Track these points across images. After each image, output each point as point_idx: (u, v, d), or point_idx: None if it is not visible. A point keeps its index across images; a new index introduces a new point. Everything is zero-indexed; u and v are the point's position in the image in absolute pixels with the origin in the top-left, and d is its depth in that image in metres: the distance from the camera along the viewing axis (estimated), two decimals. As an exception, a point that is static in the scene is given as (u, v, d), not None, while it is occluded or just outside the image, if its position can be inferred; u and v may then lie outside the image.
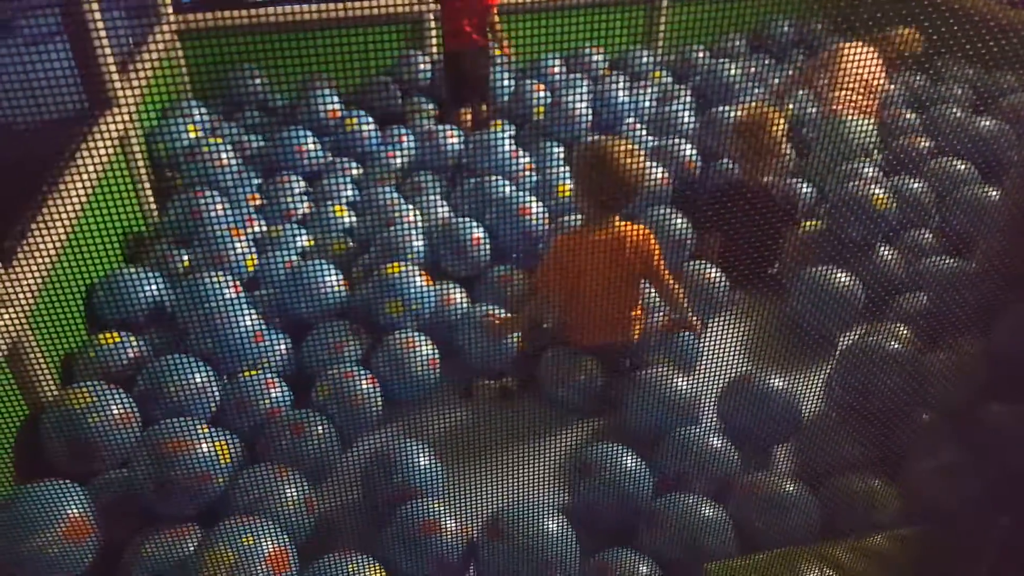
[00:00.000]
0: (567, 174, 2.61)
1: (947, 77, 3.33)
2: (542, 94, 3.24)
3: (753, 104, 2.53)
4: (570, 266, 1.93)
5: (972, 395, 1.74)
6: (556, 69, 3.49)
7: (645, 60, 3.61)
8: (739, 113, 2.44)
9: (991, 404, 1.68)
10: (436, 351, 2.04)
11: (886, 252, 2.31)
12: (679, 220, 2.35)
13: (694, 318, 2.08)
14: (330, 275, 2.15)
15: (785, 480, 1.66)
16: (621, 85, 3.23)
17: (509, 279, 2.28)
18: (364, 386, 1.92)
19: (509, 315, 2.11)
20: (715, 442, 1.73)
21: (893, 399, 1.77)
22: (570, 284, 1.97)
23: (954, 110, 2.98)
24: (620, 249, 1.93)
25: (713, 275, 2.20)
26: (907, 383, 1.78)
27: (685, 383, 1.88)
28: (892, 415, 1.75)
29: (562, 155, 2.87)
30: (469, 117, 3.18)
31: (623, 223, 1.96)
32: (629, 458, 1.70)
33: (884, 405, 1.76)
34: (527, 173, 2.71)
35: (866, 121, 2.69)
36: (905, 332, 1.98)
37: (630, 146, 1.91)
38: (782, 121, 2.36)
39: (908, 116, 2.98)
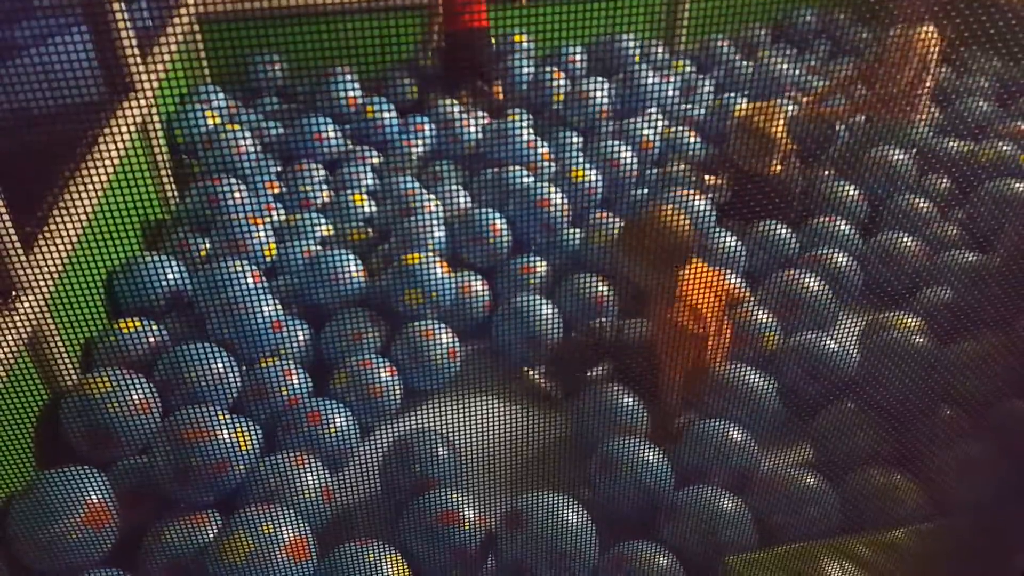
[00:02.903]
0: (583, 161, 2.60)
1: (974, 69, 3.27)
2: (561, 81, 3.20)
3: (754, 103, 2.59)
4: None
5: (998, 389, 1.71)
6: (576, 58, 3.45)
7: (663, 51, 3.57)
8: (740, 112, 2.51)
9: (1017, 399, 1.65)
10: (456, 340, 2.03)
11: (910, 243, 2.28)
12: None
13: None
14: (349, 264, 2.14)
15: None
16: (646, 73, 3.19)
17: (531, 269, 2.27)
18: (383, 375, 1.91)
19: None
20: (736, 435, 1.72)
21: (917, 393, 1.74)
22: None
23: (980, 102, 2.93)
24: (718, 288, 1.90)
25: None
26: (932, 377, 1.75)
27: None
28: (916, 410, 1.72)
29: (579, 143, 2.85)
30: (467, 99, 3.17)
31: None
32: (649, 452, 1.68)
33: (907, 400, 1.73)
34: (545, 162, 2.69)
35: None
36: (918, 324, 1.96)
37: (674, 210, 1.85)
38: (782, 118, 2.42)
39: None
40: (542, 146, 2.73)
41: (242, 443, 1.67)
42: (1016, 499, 1.36)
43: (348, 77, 3.20)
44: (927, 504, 1.57)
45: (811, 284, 2.11)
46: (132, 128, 2.35)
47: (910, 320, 1.97)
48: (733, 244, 2.28)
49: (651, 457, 1.68)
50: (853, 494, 1.63)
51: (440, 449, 1.70)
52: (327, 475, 1.68)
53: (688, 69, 3.41)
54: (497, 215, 2.33)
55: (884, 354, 1.86)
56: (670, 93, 3.17)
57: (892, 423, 1.71)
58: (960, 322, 1.89)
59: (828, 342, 1.93)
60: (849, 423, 1.77)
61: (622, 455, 1.67)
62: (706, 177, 2.58)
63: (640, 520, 1.65)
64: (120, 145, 2.19)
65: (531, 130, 2.89)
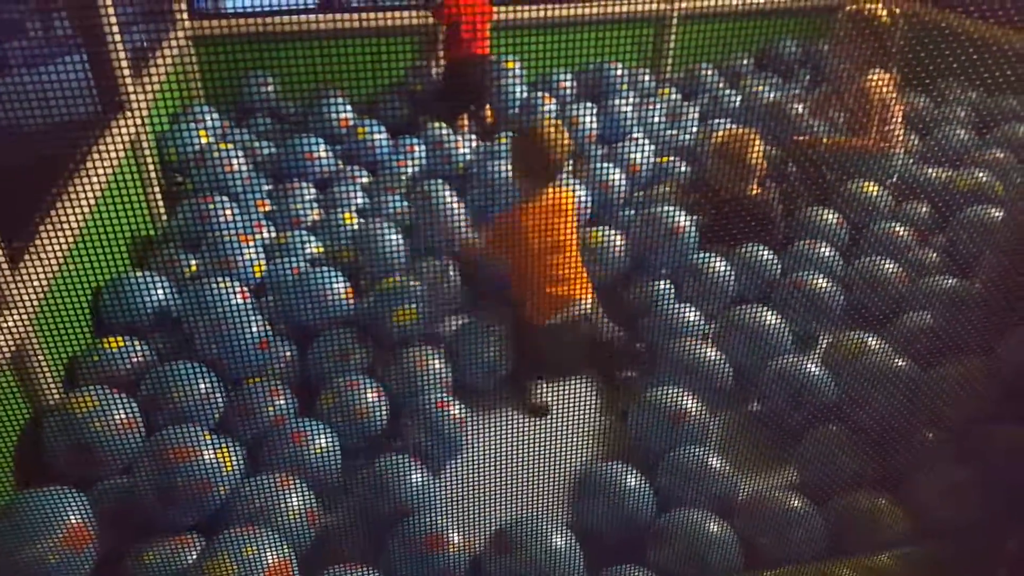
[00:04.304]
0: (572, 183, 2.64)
1: (951, 99, 3.36)
2: (551, 106, 3.26)
3: (732, 128, 2.63)
4: (517, 239, 2.10)
5: (979, 413, 1.74)
6: (566, 84, 3.52)
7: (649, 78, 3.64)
8: (719, 136, 2.56)
9: (999, 422, 1.68)
10: (448, 368, 2.02)
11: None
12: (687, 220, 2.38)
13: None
14: (337, 283, 2.14)
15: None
16: (629, 100, 3.25)
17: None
18: (369, 397, 1.91)
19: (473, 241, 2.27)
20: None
21: (896, 416, 1.77)
22: (520, 257, 2.12)
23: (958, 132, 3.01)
24: (561, 210, 2.11)
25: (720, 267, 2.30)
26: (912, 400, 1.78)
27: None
28: (896, 432, 1.75)
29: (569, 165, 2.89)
30: (466, 123, 3.23)
31: (555, 190, 2.15)
32: (632, 478, 1.68)
33: (887, 422, 1.76)
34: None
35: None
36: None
37: (556, 124, 2.13)
38: (759, 142, 2.49)
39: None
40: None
41: (226, 463, 1.65)
42: (993, 519, 1.38)
43: (340, 99, 3.23)
44: (909, 526, 1.59)
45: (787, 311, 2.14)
46: (123, 145, 2.35)
47: (871, 341, 2.01)
48: (720, 267, 2.31)
49: (633, 482, 1.67)
50: (837, 517, 1.64)
51: (414, 475, 1.68)
52: (311, 497, 1.67)
53: (674, 96, 3.48)
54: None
55: (851, 376, 1.89)
56: (656, 118, 3.24)
57: (868, 445, 1.73)
58: (936, 345, 1.93)
59: (808, 366, 1.96)
60: (825, 445, 1.79)
61: (606, 479, 1.67)
62: (688, 195, 2.63)
63: (626, 544, 1.65)
64: (111, 162, 2.19)
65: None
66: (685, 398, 1.86)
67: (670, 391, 1.88)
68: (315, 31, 3.22)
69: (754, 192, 2.51)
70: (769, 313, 2.12)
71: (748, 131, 2.52)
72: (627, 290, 2.37)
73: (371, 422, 1.89)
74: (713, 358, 2.01)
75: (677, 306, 2.22)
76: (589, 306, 2.16)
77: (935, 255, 2.41)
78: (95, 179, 2.03)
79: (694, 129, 3.16)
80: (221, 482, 1.63)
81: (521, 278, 2.16)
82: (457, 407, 1.86)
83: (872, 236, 2.51)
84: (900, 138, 2.72)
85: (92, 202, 2.00)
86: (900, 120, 2.71)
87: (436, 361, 2.01)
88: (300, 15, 3.27)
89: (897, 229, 2.50)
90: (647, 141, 3.05)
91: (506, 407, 2.11)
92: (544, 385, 2.13)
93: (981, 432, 1.70)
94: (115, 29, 2.22)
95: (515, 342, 2.13)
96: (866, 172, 2.71)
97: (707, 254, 2.34)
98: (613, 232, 2.36)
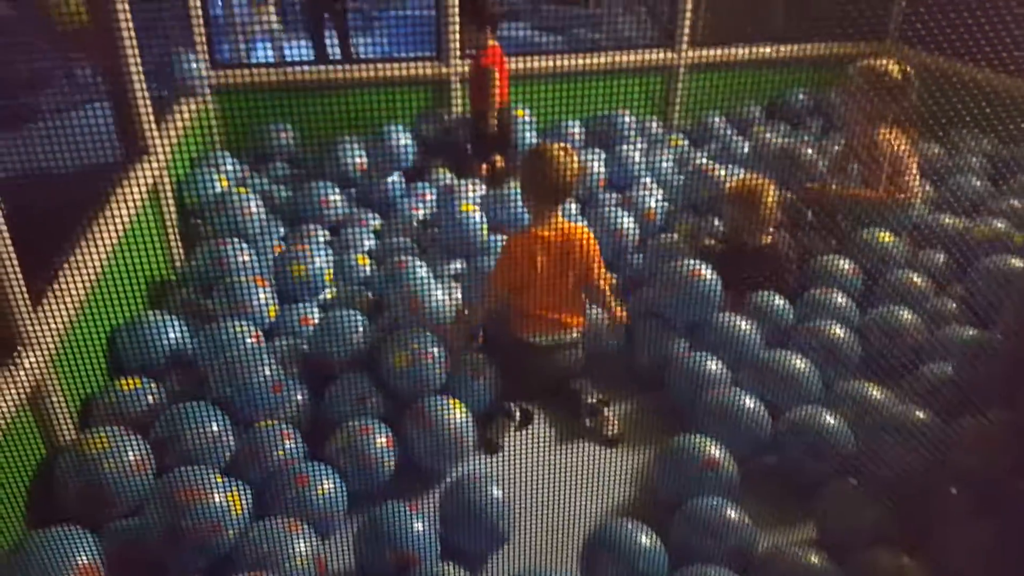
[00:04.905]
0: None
1: (963, 149, 3.37)
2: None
3: (745, 176, 2.63)
4: (523, 260, 2.11)
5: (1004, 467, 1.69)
6: (576, 132, 3.58)
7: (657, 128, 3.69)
8: (731, 184, 2.57)
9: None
10: (468, 417, 1.99)
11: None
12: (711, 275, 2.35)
13: (620, 311, 2.25)
14: (351, 325, 2.14)
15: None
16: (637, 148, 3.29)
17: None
18: (379, 443, 1.88)
19: (459, 317, 2.21)
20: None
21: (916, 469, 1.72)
22: (522, 278, 2.13)
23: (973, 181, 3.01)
24: (570, 245, 2.12)
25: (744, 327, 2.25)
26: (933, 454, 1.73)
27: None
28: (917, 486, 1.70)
29: (578, 210, 2.92)
30: (487, 170, 3.29)
31: (567, 222, 2.16)
32: (645, 536, 1.64)
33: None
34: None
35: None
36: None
37: (566, 148, 2.13)
38: (773, 191, 2.49)
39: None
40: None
41: (234, 506, 1.64)
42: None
43: (355, 145, 3.30)
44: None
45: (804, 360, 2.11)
46: (144, 189, 2.41)
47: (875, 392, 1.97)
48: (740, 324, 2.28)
49: (646, 540, 1.63)
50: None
51: (416, 524, 1.64)
52: (319, 543, 1.64)
53: (683, 143, 3.52)
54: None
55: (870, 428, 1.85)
56: (665, 165, 3.27)
57: (886, 499, 1.69)
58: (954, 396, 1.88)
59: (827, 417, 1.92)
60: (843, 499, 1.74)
61: (617, 539, 1.62)
62: (706, 242, 2.63)
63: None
64: (132, 205, 2.24)
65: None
66: (711, 447, 1.83)
67: (696, 439, 1.85)
68: (331, 82, 3.33)
69: (766, 241, 2.51)
70: (799, 360, 2.10)
71: (761, 180, 2.52)
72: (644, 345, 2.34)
73: (380, 469, 1.87)
74: (742, 406, 1.98)
75: (702, 355, 2.18)
76: (576, 335, 2.20)
77: (953, 304, 2.38)
78: (116, 222, 2.07)
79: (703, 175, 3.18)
80: (229, 525, 1.60)
81: (517, 293, 2.18)
82: (498, 491, 1.73)
83: (888, 285, 2.49)
84: (915, 191, 2.71)
85: (113, 245, 2.03)
86: (915, 172, 2.71)
87: (457, 414, 1.96)
88: (316, 67, 3.38)
89: (913, 278, 2.48)
90: (656, 187, 3.08)
91: (512, 449, 2.08)
92: (512, 423, 2.13)
93: (1007, 487, 1.65)
94: (140, 79, 2.31)
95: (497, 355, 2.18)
96: (880, 221, 2.70)
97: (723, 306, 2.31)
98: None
